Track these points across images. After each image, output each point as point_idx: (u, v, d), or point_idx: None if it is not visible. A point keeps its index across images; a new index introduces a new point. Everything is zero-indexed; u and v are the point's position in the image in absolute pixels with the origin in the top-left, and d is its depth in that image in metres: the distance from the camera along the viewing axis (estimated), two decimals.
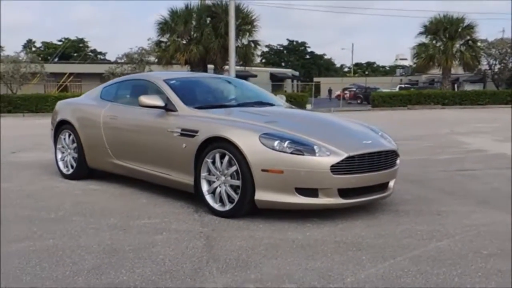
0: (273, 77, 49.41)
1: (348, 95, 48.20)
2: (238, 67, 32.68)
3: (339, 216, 4.88)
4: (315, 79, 75.57)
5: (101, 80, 32.16)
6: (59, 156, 6.97)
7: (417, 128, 16.33)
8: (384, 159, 4.97)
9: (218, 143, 4.86)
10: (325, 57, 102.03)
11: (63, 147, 6.91)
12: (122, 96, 6.41)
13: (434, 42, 33.69)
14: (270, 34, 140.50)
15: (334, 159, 4.58)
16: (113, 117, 6.18)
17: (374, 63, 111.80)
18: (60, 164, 6.94)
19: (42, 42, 69.12)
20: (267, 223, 4.68)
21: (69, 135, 6.77)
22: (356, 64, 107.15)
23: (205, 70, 30.41)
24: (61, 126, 6.95)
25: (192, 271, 3.49)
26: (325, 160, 4.57)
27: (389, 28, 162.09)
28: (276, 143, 4.60)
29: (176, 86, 5.85)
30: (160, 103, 5.54)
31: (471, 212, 5.10)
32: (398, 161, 5.30)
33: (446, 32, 32.98)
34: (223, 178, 4.86)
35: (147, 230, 4.47)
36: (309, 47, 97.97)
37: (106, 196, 5.84)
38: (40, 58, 44.63)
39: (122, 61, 32.15)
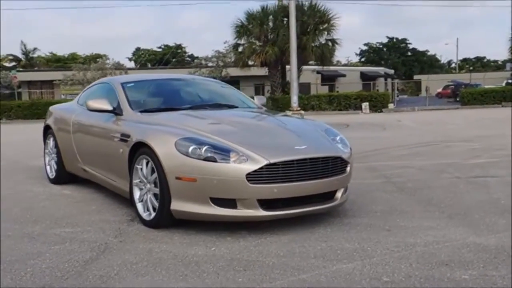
0: (364, 76, 47.98)
1: (442, 92, 46.12)
2: (316, 67, 32.17)
3: (272, 229, 4.44)
4: (416, 77, 72.76)
5: None
6: (47, 160, 7.03)
7: (487, 129, 15.02)
8: (322, 167, 4.43)
9: (143, 149, 4.60)
10: (429, 53, 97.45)
11: (48, 151, 6.96)
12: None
13: None
14: (370, 32, 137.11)
15: (251, 167, 4.15)
16: (79, 122, 6.12)
17: (483, 57, 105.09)
18: (47, 168, 7.00)
19: (143, 49, 72.17)
20: (187, 234, 4.35)
21: (53, 140, 6.79)
22: (464, 60, 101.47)
23: (283, 71, 30.18)
24: (47, 131, 7.00)
25: None
26: (240, 167, 4.15)
27: (504, 20, 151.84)
28: (190, 149, 4.24)
29: (130, 90, 5.65)
30: (107, 106, 5.37)
31: (429, 229, 4.43)
32: (348, 169, 4.73)
33: None
34: (148, 185, 4.59)
35: (55, 239, 4.29)
36: (410, 43, 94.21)
37: (64, 202, 5.76)
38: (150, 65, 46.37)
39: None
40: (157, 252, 3.91)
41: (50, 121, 6.91)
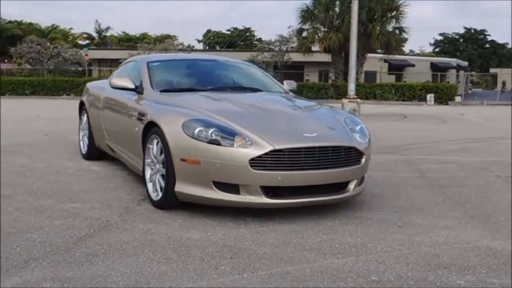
0: (434, 66, 46.34)
1: None
2: (381, 55, 31.33)
3: (278, 217, 4.31)
4: (492, 70, 69.65)
5: None
6: (81, 135, 7.16)
7: None
8: (332, 156, 4.24)
9: (155, 128, 4.56)
10: (508, 46, 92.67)
11: (82, 127, 7.08)
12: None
13: None
14: (446, 22, 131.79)
15: (255, 152, 4.02)
16: (108, 99, 6.16)
17: None
18: (81, 144, 7.14)
19: (212, 32, 72.75)
20: (190, 217, 4.29)
21: (86, 116, 6.91)
22: None
23: (346, 58, 29.48)
24: (82, 107, 7.12)
25: (21, 262, 3.26)
26: (243, 152, 4.03)
27: None
28: (196, 130, 4.16)
29: (154, 69, 5.62)
30: (129, 85, 5.37)
31: (444, 228, 4.16)
32: (363, 160, 4.50)
33: None
34: (157, 166, 4.55)
35: (61, 214, 4.34)
36: (489, 35, 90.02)
37: (87, 177, 5.85)
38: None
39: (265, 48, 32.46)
40: (152, 233, 3.87)
41: (84, 98, 7.03)
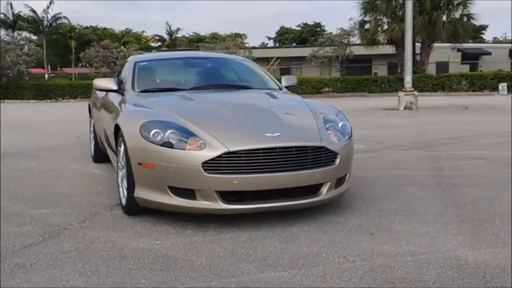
0: None
1: None
2: (446, 44, 29.86)
3: (245, 224, 4.02)
4: None
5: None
6: (90, 138, 7.14)
7: None
8: (297, 157, 3.88)
9: (120, 131, 4.38)
10: None
11: (91, 129, 7.06)
12: (120, 78, 6.21)
13: None
14: None
15: (208, 154, 3.75)
16: (102, 100, 6.08)
17: None
18: (91, 147, 7.11)
19: (281, 27, 72.26)
20: (152, 224, 4.08)
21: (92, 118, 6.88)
22: None
23: (413, 49, 28.44)
24: (90, 109, 7.11)
25: None
26: (196, 155, 3.77)
27: None
28: (152, 132, 3.95)
29: (140, 69, 5.45)
30: (112, 86, 5.25)
31: (421, 235, 3.73)
32: (337, 161, 4.10)
33: None
34: (124, 170, 4.38)
35: (24, 220, 4.25)
36: None
37: (81, 181, 5.80)
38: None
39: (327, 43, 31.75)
40: (100, 242, 3.69)
41: (90, 101, 6.99)
